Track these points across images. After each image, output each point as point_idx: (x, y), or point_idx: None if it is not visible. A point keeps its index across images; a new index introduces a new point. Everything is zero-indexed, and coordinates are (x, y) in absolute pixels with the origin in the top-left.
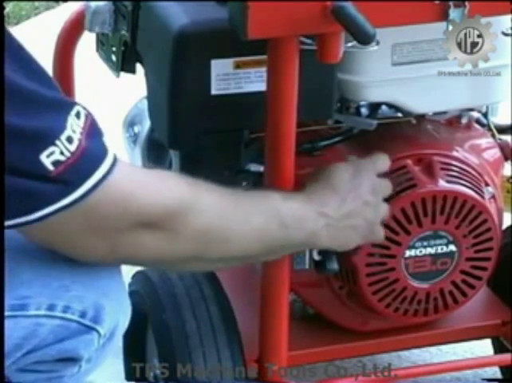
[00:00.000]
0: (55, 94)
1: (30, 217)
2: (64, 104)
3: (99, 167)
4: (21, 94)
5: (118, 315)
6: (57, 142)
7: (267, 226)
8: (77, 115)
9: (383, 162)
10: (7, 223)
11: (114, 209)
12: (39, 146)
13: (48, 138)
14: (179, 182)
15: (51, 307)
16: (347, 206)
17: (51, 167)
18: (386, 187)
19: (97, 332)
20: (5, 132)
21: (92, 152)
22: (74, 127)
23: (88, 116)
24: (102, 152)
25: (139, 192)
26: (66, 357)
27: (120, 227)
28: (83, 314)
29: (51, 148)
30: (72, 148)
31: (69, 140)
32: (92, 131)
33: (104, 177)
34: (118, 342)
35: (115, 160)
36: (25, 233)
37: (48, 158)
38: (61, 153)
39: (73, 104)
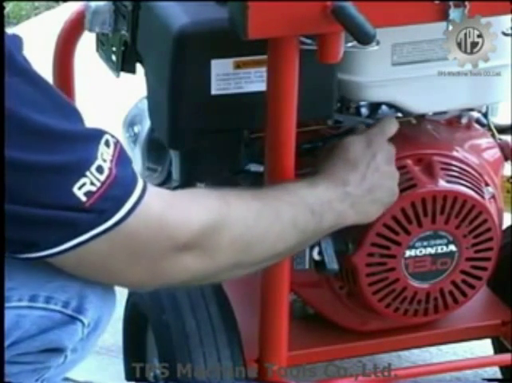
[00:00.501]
0: (82, 127)
1: (65, 246)
2: (93, 135)
3: (131, 194)
4: (48, 134)
5: (102, 305)
6: (87, 173)
7: (298, 217)
8: (107, 143)
9: (390, 126)
10: (40, 253)
11: (149, 234)
12: (71, 179)
13: (79, 170)
14: (208, 197)
15: (33, 298)
16: (368, 180)
17: (84, 198)
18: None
19: (81, 322)
20: (38, 170)
21: (122, 179)
22: (104, 156)
23: (117, 144)
24: (132, 179)
25: (171, 215)
26: (51, 347)
27: (157, 253)
28: (66, 304)
29: (82, 180)
30: (103, 177)
31: (99, 169)
32: (122, 159)
33: (137, 203)
34: (103, 333)
35: (145, 186)
36: (65, 266)
37: (80, 190)
38: (92, 183)
39: (102, 133)
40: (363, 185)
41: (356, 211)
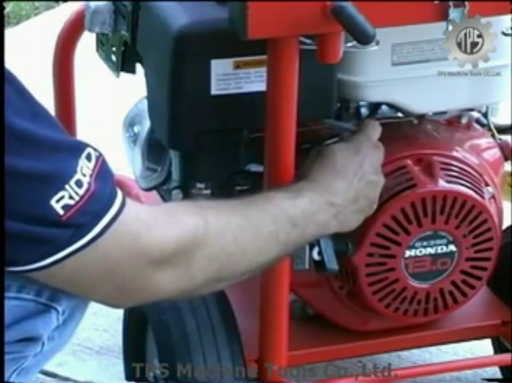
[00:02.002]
0: (65, 137)
1: (43, 263)
2: (75, 147)
3: (109, 210)
4: (29, 139)
5: None
6: (67, 186)
7: (279, 230)
8: (88, 157)
9: (374, 131)
10: (20, 268)
11: (123, 251)
12: (49, 191)
13: (58, 183)
14: (186, 214)
15: (5, 288)
16: (353, 190)
17: (61, 212)
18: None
19: (55, 310)
20: (16, 178)
21: (100, 194)
22: (84, 170)
23: (99, 157)
24: (111, 195)
25: (146, 232)
26: (26, 337)
27: (131, 270)
28: (39, 293)
29: (61, 193)
30: (81, 191)
31: (78, 183)
32: (102, 173)
33: (114, 219)
34: (81, 319)
35: (123, 202)
36: (41, 279)
37: (57, 203)
38: (70, 197)
39: (85, 146)
40: (348, 194)
41: (338, 221)
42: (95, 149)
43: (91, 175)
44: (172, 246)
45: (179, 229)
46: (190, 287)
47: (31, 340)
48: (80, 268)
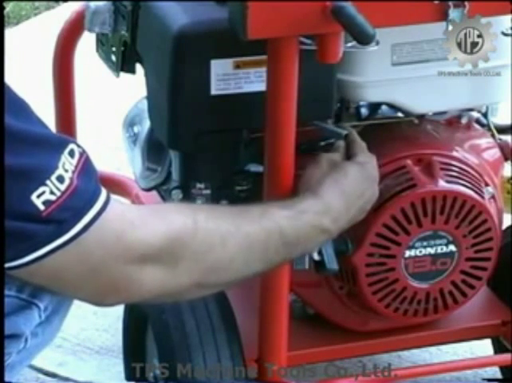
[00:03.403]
0: (47, 132)
1: (25, 259)
2: (57, 143)
3: (92, 207)
4: (9, 133)
5: None
6: (48, 182)
7: (270, 246)
8: (71, 153)
9: (364, 146)
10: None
11: (108, 248)
12: (30, 186)
13: (39, 178)
14: (176, 213)
15: None
16: (349, 217)
17: (42, 207)
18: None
19: (37, 306)
20: None
21: (83, 191)
22: (66, 166)
23: (83, 154)
24: (95, 192)
25: (132, 229)
26: (8, 333)
27: (116, 267)
28: (20, 289)
29: (42, 188)
30: (63, 187)
31: (60, 179)
32: (86, 170)
33: (96, 216)
34: (67, 315)
35: (107, 200)
36: (22, 277)
37: (38, 198)
38: (51, 193)
39: (68, 142)
40: (343, 221)
41: (326, 236)
42: (78, 146)
43: (73, 171)
44: (158, 243)
45: (166, 226)
46: (174, 288)
47: (14, 337)
48: (62, 266)
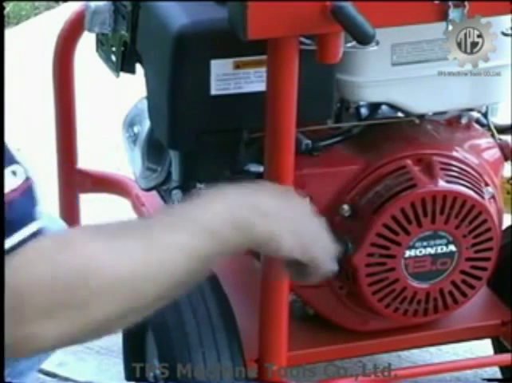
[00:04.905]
0: None
1: None
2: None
3: (20, 229)
4: None
5: None
6: None
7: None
8: (13, 173)
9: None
10: None
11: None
12: None
13: None
14: (81, 241)
15: None
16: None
17: None
18: None
19: None
20: None
21: (21, 207)
22: (6, 182)
23: (29, 180)
24: (28, 216)
25: (27, 277)
26: None
27: (17, 319)
28: None
29: None
30: None
31: None
32: (28, 193)
33: (15, 248)
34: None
35: (34, 235)
36: None
37: None
38: None
39: (12, 162)
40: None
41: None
42: (26, 171)
43: (14, 190)
44: (58, 286)
45: (67, 266)
46: (91, 326)
47: None
48: None
